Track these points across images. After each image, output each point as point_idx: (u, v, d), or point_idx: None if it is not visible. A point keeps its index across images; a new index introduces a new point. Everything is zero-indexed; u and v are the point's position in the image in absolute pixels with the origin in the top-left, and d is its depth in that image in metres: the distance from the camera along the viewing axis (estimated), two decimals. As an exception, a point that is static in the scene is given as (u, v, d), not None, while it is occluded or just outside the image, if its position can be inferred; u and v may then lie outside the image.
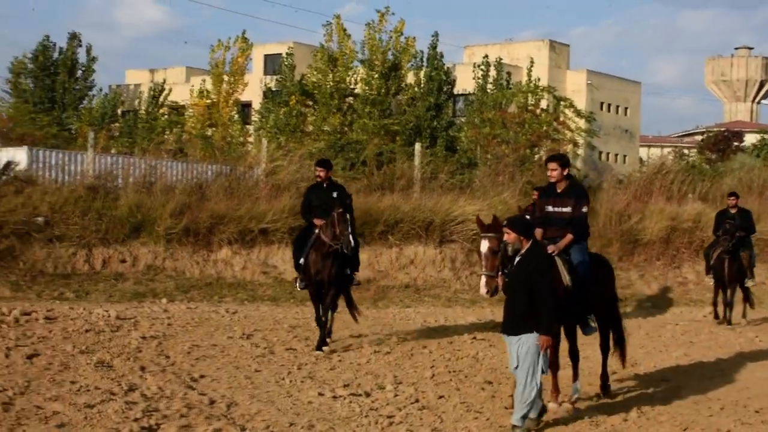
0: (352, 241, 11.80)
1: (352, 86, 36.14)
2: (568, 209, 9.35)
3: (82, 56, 41.06)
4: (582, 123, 38.20)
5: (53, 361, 10.33)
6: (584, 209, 9.41)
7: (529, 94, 36.12)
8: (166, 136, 36.56)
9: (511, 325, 7.88)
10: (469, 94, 38.90)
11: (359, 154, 25.74)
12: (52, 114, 38.36)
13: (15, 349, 10.85)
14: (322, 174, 12.55)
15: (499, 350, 11.84)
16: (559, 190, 9.45)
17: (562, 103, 37.14)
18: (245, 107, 43.36)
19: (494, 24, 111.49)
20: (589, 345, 10.73)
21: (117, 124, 40.65)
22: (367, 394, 9.38)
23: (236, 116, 40.79)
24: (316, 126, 35.10)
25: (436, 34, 37.06)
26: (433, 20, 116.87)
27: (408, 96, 36.10)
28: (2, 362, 10.18)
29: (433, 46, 36.86)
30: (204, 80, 40.57)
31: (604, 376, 9.96)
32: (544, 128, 34.31)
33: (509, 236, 7.93)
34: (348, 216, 11.82)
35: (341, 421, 8.27)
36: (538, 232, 9.08)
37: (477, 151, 31.48)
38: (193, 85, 41.80)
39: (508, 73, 38.93)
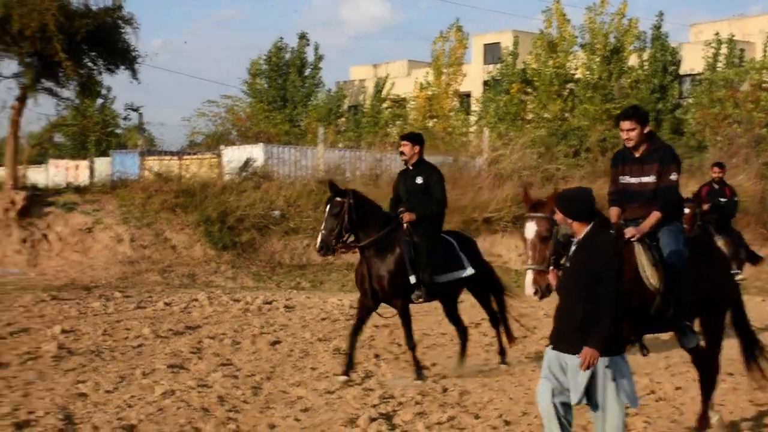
0: (318, 241, 9.35)
1: (572, 71, 35.57)
2: (651, 178, 7.18)
3: (310, 55, 42.78)
4: (824, 99, 35.59)
5: (294, 348, 10.95)
6: (673, 176, 7.15)
7: (764, 71, 34.09)
8: (389, 129, 37.48)
9: (569, 340, 5.65)
10: (697, 74, 37.24)
11: (582, 140, 25.33)
12: (284, 112, 40.27)
13: (260, 336, 11.59)
14: (405, 150, 9.69)
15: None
16: (637, 155, 7.26)
17: (801, 78, 34.76)
18: (465, 97, 43.63)
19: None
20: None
21: (343, 119, 42.04)
22: (599, 385, 9.26)
23: (457, 106, 41.13)
24: (536, 113, 34.84)
25: (660, 14, 35.84)
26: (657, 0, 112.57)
27: (631, 79, 35.08)
28: (249, 348, 10.91)
29: (657, 26, 35.63)
30: (428, 72, 41.17)
31: (703, 411, 7.49)
32: (781, 106, 32.28)
33: (559, 215, 5.91)
34: (340, 208, 9.21)
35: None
36: (614, 212, 7.29)
37: (706, 133, 30.15)
38: (417, 78, 42.49)
39: (741, 50, 36.94)
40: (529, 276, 6.12)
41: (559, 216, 5.85)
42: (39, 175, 24.96)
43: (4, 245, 17.57)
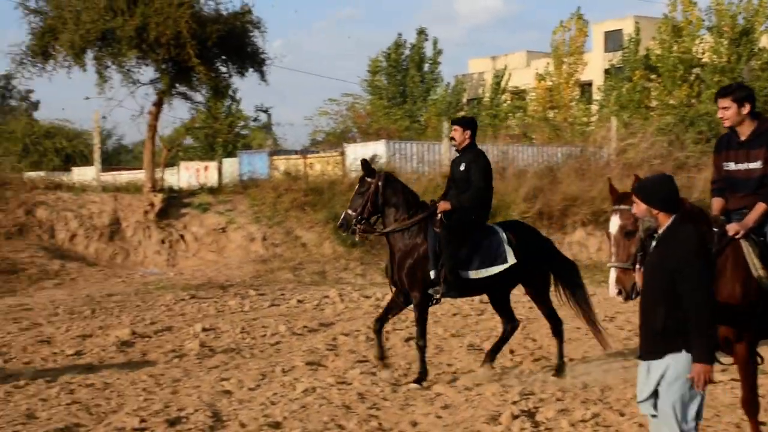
0: (341, 218, 9.24)
1: (698, 56, 34.50)
2: (757, 164, 6.45)
3: (428, 50, 42.93)
4: None
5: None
6: None
7: None
8: (508, 122, 37.19)
9: (647, 345, 5.15)
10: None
11: (711, 126, 24.52)
12: (404, 107, 40.50)
13: (393, 333, 11.67)
14: (455, 135, 9.23)
15: None
16: (742, 138, 6.57)
17: None
18: (586, 87, 42.91)
19: None
20: None
21: (462, 113, 41.99)
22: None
23: (578, 96, 40.50)
24: (661, 100, 33.94)
25: (794, -9, 34.36)
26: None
27: (762, 61, 33.77)
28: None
29: (791, 4, 34.18)
30: (548, 63, 40.70)
31: None
32: None
33: (638, 207, 5.25)
34: (367, 189, 9.05)
35: (726, 408, 7.95)
36: (716, 204, 6.65)
37: None
38: (537, 69, 42.05)
39: None
40: (613, 275, 5.62)
41: (639, 208, 5.22)
42: (171, 177, 25.83)
43: (145, 246, 18.31)
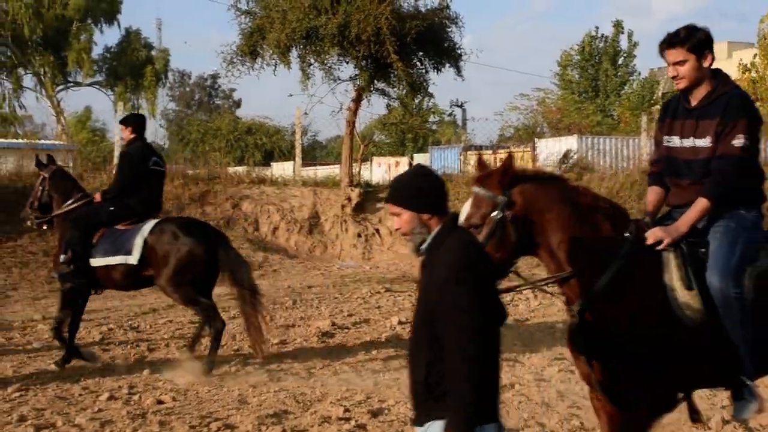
0: (21, 214, 9.96)
1: None
2: (706, 141, 4.70)
3: (623, 43, 41.88)
4: None
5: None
6: (739, 140, 4.60)
7: None
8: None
9: (412, 403, 3.87)
10: None
11: None
12: (596, 102, 39.66)
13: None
14: (123, 134, 9.78)
15: None
16: (693, 103, 4.85)
17: None
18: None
19: None
20: None
21: (656, 107, 40.69)
22: None
23: (783, 88, 38.25)
24: None
25: None
26: None
27: None
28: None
29: None
30: (756, 55, 38.69)
31: None
32: None
33: (399, 220, 3.78)
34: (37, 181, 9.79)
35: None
36: (651, 196, 5.04)
37: None
38: (742, 59, 40.03)
39: None
40: None
41: (400, 221, 3.77)
42: (364, 172, 26.42)
43: (342, 239, 18.82)
